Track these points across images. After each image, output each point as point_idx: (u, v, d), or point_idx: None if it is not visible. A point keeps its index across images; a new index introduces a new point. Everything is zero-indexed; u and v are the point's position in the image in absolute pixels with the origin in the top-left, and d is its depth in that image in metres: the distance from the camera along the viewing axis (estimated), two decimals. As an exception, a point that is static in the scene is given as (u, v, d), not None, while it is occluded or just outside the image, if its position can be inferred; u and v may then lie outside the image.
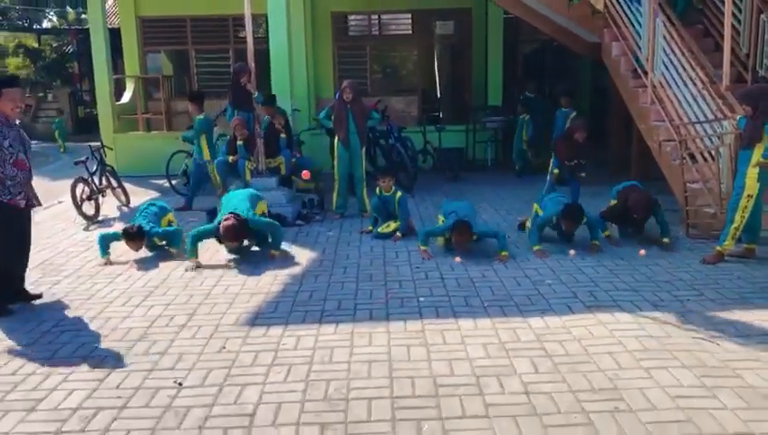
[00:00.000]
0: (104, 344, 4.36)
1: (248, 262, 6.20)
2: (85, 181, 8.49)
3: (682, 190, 6.94)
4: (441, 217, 6.71)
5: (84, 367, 4.01)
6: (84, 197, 8.39)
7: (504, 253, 6.06)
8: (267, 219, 6.53)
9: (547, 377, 3.72)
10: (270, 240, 6.36)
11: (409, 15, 13.76)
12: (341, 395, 3.56)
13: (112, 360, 4.10)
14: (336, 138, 8.21)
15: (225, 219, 6.05)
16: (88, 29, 26.75)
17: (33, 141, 19.35)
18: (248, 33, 8.04)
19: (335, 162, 8.24)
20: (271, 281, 5.61)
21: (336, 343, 4.26)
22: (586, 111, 13.65)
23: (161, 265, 6.19)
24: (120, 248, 6.48)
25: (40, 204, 5.42)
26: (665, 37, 7.83)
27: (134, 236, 6.21)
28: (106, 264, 6.19)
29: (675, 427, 3.15)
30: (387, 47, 14.36)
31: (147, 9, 13.47)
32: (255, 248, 6.55)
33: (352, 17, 13.83)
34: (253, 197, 6.72)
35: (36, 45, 27.99)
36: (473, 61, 13.39)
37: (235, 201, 6.51)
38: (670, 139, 7.40)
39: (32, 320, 4.84)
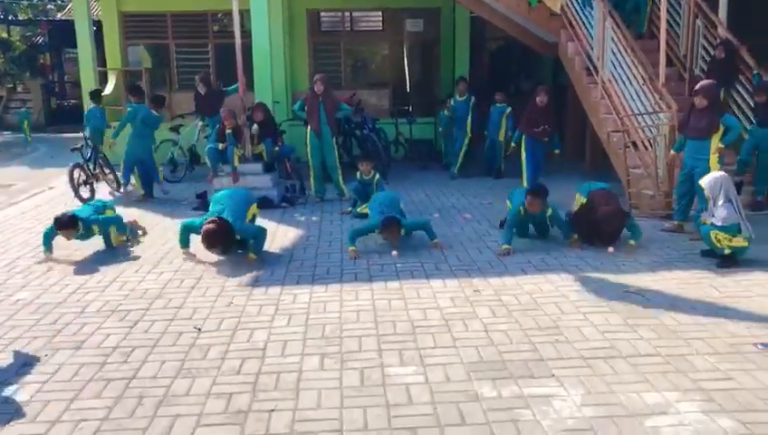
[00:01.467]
0: (127, 301, 5.05)
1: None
2: (81, 167, 9.08)
3: (625, 175, 7.87)
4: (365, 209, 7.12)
5: (114, 318, 4.71)
6: (81, 181, 8.99)
7: (435, 241, 6.36)
8: (254, 226, 6.29)
9: (503, 320, 4.55)
10: (252, 243, 6.11)
11: (380, 13, 14.50)
12: (336, 334, 4.34)
13: (137, 313, 4.81)
14: (309, 128, 8.80)
15: (208, 222, 5.76)
16: (59, 21, 26.78)
17: (6, 132, 19.68)
18: (236, 29, 8.72)
19: (308, 151, 8.89)
20: (264, 252, 6.33)
21: (328, 299, 5.04)
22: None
23: (171, 237, 6.87)
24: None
25: None
26: (613, 39, 8.75)
27: (66, 224, 6.06)
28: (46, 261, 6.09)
29: (601, 351, 4.01)
30: (359, 43, 15.07)
31: (128, 5, 13.95)
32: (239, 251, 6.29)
33: (325, 14, 14.51)
34: (248, 199, 6.49)
35: (6, 36, 27.93)
36: (441, 57, 14.20)
37: (229, 203, 6.20)
38: (617, 130, 8.32)
39: (56, 284, 5.50)
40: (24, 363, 3.99)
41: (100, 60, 14.42)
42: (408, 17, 14.38)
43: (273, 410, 3.37)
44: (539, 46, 11.14)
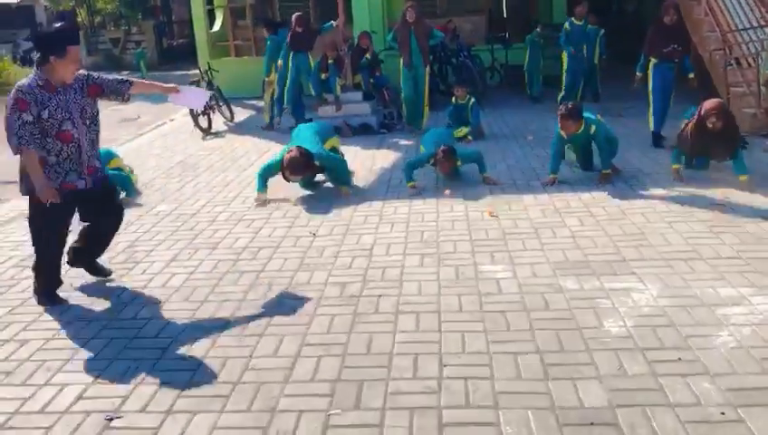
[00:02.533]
0: (250, 212, 5.75)
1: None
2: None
3: (726, 94, 7.74)
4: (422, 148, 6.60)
5: (241, 225, 5.42)
6: (199, 112, 9.81)
7: (486, 174, 6.17)
8: (334, 155, 6.34)
9: (590, 228, 4.88)
10: (335, 175, 6.24)
11: (477, -64, 14.30)
12: (433, 239, 4.84)
13: (260, 221, 5.49)
14: (401, 58, 8.68)
15: (289, 151, 5.87)
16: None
17: (125, 72, 21.08)
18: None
19: (400, 81, 8.83)
20: (367, 172, 6.86)
21: (425, 211, 5.52)
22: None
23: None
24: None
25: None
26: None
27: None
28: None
29: (682, 254, 4.28)
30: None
31: (232, -58, 14.50)
32: (328, 185, 6.43)
33: (422, -59, 14.47)
34: (323, 130, 6.57)
35: (119, -20, 29.46)
36: (539, -21, 13.93)
37: (304, 134, 6.35)
38: (719, 48, 8.12)
39: (189, 199, 6.29)
40: (171, 259, 4.75)
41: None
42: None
43: (380, 296, 3.94)
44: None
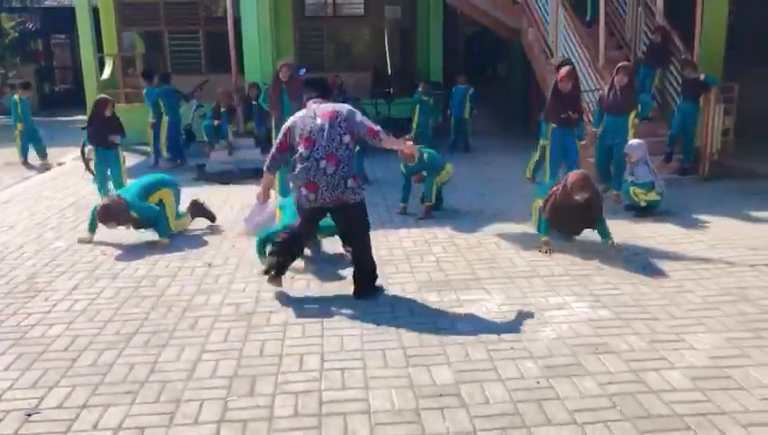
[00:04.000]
0: (151, 245, 6.15)
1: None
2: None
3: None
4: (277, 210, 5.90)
5: (143, 258, 5.81)
6: (91, 156, 9.99)
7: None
8: (152, 206, 6.34)
9: (452, 255, 5.70)
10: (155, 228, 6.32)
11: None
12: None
13: (158, 254, 5.91)
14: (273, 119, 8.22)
15: (103, 200, 6.33)
16: (50, 8, 27.27)
17: (1, 117, 20.35)
18: (229, 17, 9.76)
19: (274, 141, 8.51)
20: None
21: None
22: (516, 89, 15.76)
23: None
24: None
25: None
26: (564, 26, 9.88)
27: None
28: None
29: (523, 273, 5.17)
30: (342, 28, 16.09)
31: (124, -7, 14.86)
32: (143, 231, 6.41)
33: (309, 0, 15.50)
34: (152, 183, 6.60)
35: (-1, 25, 28.55)
36: (418, 42, 15.27)
37: (131, 186, 6.65)
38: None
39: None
40: (73, 288, 5.09)
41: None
42: (388, 4, 15.40)
43: (271, 312, 4.51)
44: (506, 32, 12.24)
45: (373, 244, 4.94)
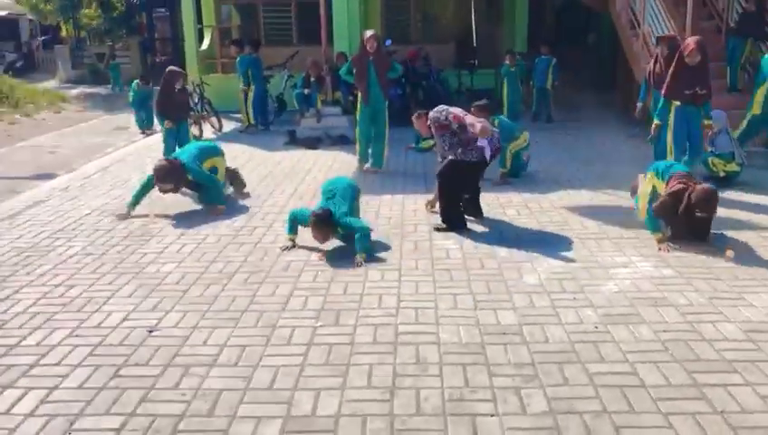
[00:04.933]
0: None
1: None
2: (191, 109, 10.89)
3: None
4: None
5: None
6: (191, 121, 10.80)
7: (361, 256, 4.94)
8: (207, 173, 6.40)
9: (525, 217, 5.99)
10: (208, 194, 6.42)
11: (449, -31, 15.64)
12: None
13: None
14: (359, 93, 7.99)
15: (159, 160, 6.28)
16: (155, -18, 28.62)
17: (108, 86, 21.71)
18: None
19: (356, 118, 8.12)
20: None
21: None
22: (606, 59, 15.51)
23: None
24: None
25: None
26: (651, -5, 9.77)
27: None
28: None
29: (593, 235, 5.41)
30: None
31: (223, -32, 15.64)
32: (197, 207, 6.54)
33: (397, -28, 15.77)
34: (206, 149, 6.67)
35: (106, -3, 30.33)
36: (504, 13, 15.28)
37: (187, 150, 6.64)
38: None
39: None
40: (181, 234, 5.73)
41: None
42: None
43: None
44: (594, 2, 12.13)
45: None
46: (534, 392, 3.12)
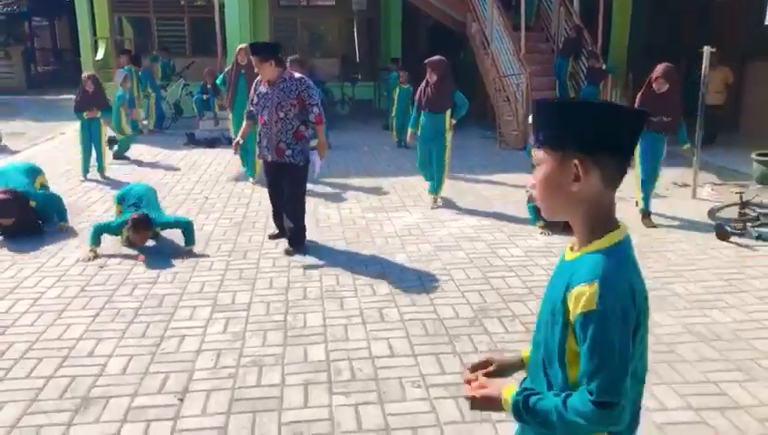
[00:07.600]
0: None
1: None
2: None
3: (498, 120, 11.01)
4: (116, 206, 5.99)
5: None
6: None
7: (189, 247, 5.51)
8: (49, 193, 6.42)
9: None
10: (55, 212, 6.27)
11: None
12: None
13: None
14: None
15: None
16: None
17: (-2, 95, 21.52)
18: (216, 6, 11.47)
19: (231, 129, 8.72)
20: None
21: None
22: (473, 74, 17.61)
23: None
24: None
25: None
26: (497, 22, 11.83)
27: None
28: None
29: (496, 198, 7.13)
30: (314, 17, 17.82)
31: (117, -20, 16.42)
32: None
33: (285, -10, 17.19)
34: (32, 170, 6.57)
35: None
36: (380, 31, 17.10)
37: (12, 175, 6.24)
38: (497, 89, 11.44)
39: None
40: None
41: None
42: (354, -4, 17.13)
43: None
44: (454, 24, 14.11)
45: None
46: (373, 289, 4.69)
